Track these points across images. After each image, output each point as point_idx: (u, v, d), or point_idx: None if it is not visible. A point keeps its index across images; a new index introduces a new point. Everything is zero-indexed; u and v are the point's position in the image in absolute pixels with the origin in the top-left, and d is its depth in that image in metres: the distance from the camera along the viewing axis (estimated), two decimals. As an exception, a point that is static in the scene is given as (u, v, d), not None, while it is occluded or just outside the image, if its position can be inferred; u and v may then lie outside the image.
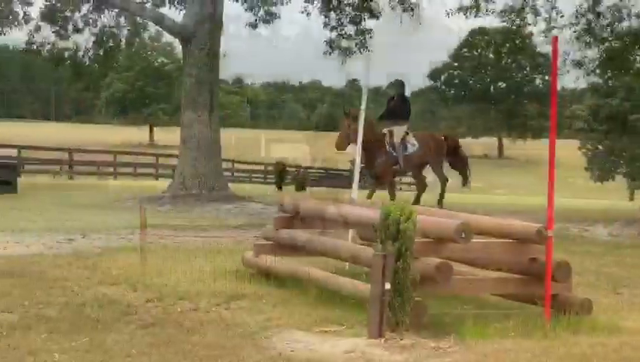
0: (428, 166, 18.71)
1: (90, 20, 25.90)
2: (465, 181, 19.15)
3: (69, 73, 28.71)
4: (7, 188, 22.42)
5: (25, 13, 25.22)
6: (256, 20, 26.84)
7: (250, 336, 7.39)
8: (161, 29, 25.87)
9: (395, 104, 17.89)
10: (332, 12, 25.69)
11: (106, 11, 25.76)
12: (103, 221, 16.16)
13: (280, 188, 35.44)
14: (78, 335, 7.18)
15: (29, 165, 38.79)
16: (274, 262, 9.84)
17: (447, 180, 18.81)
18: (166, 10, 24.88)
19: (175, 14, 24.55)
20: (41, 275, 10.07)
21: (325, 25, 25.92)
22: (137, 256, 11.72)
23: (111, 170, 44.37)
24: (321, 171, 58.28)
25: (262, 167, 52.10)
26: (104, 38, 26.27)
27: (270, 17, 26.80)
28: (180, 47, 23.32)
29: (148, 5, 24.54)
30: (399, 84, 18.18)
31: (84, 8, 25.55)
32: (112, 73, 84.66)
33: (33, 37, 26.08)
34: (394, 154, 17.45)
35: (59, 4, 25.00)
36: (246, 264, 10.41)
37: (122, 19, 26.33)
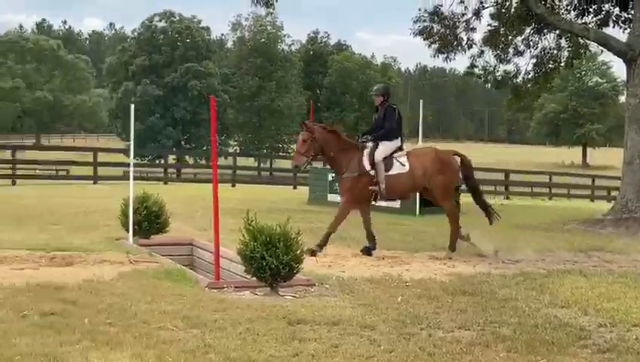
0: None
1: (531, 43, 26.22)
2: (489, 218, 14.88)
3: (507, 96, 29.18)
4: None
5: (468, 38, 26.17)
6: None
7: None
8: (602, 49, 25.40)
9: (380, 116, 14.28)
10: None
11: (548, 34, 25.94)
12: (544, 242, 16.19)
13: None
14: (534, 356, 7.30)
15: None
16: None
17: (458, 216, 14.55)
18: (609, 29, 24.48)
19: (619, 34, 24.09)
20: (491, 294, 10.36)
21: None
22: (584, 280, 11.66)
23: (545, 190, 44.40)
24: None
25: None
26: (544, 60, 26.45)
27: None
28: (617, 66, 22.93)
29: (592, 26, 24.25)
30: (381, 91, 14.47)
31: (527, 31, 25.95)
32: (544, 94, 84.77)
33: (475, 61, 27.01)
34: (370, 171, 13.86)
35: (502, 29, 25.59)
36: None
37: (563, 41, 26.31)
